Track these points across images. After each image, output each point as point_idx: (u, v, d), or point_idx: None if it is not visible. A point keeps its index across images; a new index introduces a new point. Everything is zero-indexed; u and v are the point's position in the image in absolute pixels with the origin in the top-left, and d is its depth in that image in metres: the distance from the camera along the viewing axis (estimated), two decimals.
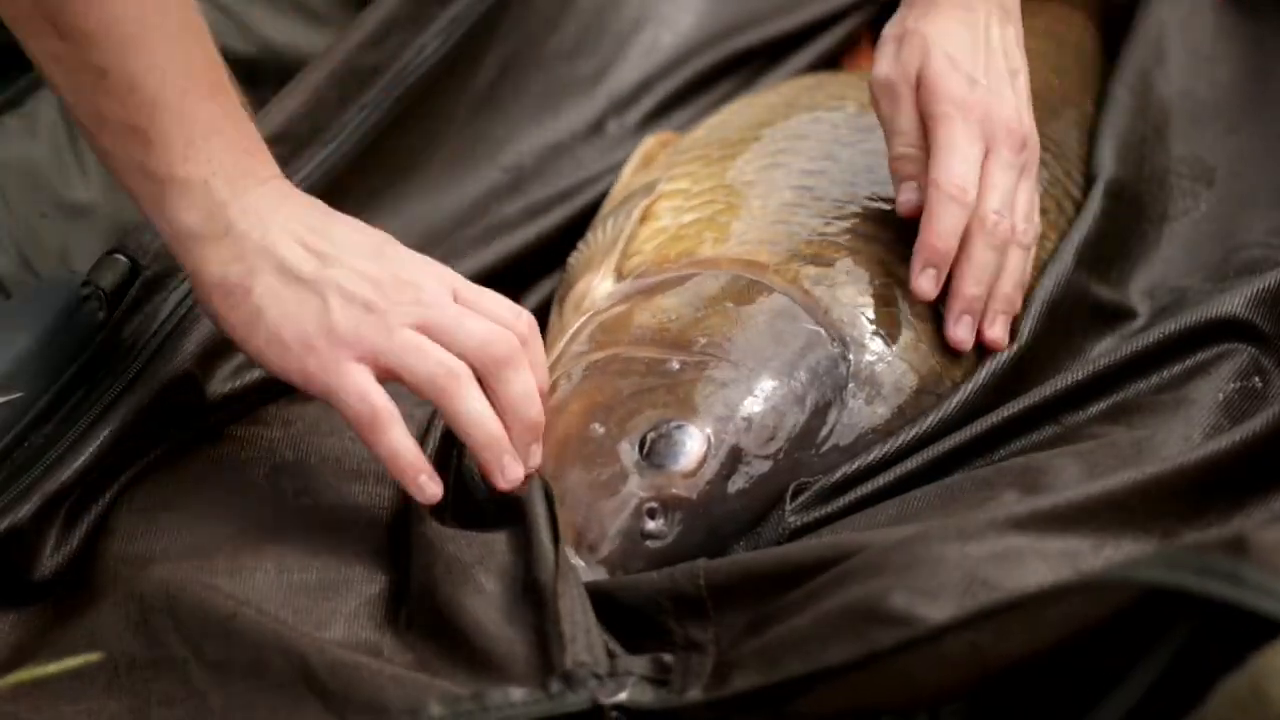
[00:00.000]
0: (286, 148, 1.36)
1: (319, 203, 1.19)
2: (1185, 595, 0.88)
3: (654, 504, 1.18)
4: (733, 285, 1.29)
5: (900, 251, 1.31)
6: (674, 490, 1.19)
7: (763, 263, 1.31)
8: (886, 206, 1.35)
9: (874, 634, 0.98)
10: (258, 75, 1.48)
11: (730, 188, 1.39)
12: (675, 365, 1.24)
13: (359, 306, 1.13)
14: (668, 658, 1.09)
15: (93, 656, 1.07)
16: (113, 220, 1.37)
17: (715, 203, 1.38)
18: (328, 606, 1.13)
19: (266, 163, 1.18)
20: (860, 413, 1.25)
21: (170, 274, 1.27)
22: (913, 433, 1.24)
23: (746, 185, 1.39)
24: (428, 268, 1.17)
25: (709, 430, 1.21)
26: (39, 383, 1.21)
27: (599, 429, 1.21)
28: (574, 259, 1.42)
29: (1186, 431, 1.21)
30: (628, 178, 1.50)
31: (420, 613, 1.11)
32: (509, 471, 1.15)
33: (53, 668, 1.06)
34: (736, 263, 1.32)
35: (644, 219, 1.39)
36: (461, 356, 1.14)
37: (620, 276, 1.35)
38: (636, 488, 1.19)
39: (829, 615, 1.02)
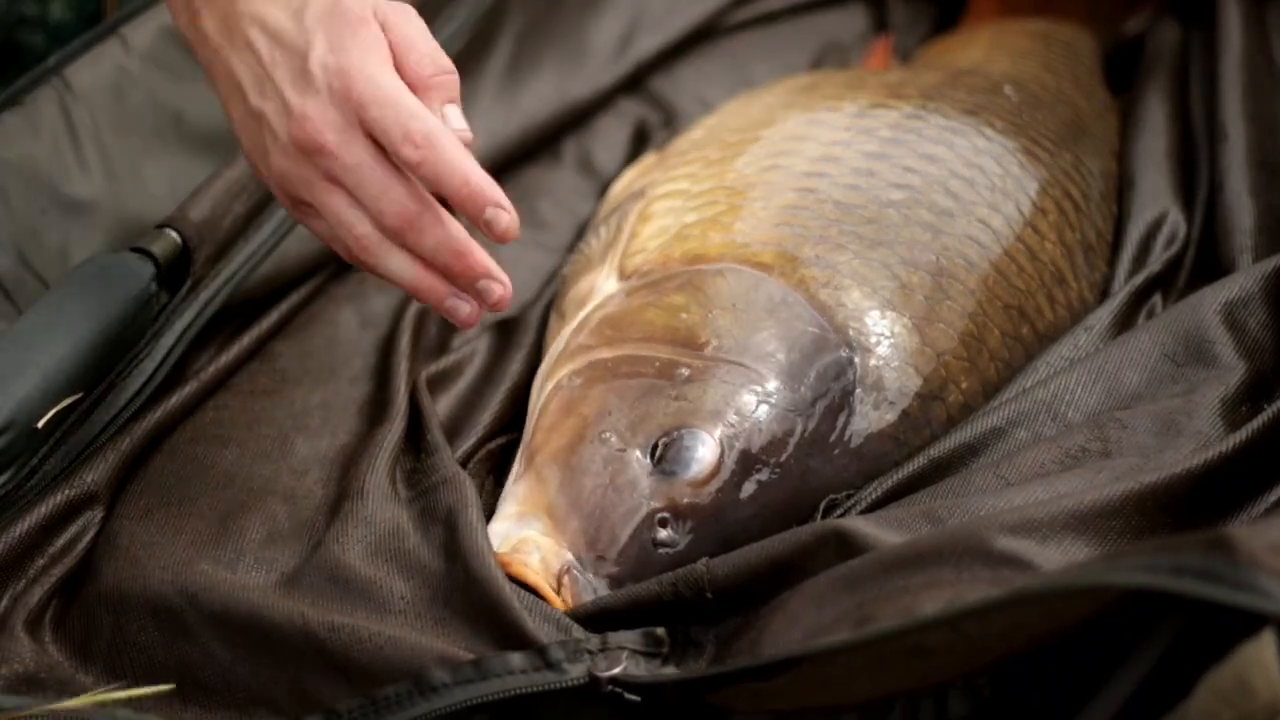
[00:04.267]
0: None
1: None
2: (1167, 595, 0.89)
3: (665, 514, 1.18)
4: (740, 284, 1.29)
5: (903, 254, 1.32)
6: (686, 499, 1.19)
7: (767, 264, 1.31)
8: (888, 209, 1.35)
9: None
10: None
11: (731, 189, 1.39)
12: (685, 371, 1.23)
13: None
14: (659, 631, 1.10)
15: (164, 688, 1.09)
16: (113, 217, 1.35)
17: (717, 203, 1.38)
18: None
19: None
20: (868, 418, 1.25)
21: (221, 253, 1.30)
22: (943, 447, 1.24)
23: (748, 187, 1.39)
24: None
25: (721, 438, 1.20)
26: (99, 375, 1.21)
27: (610, 435, 1.20)
28: (569, 265, 1.42)
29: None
30: (624, 184, 1.50)
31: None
32: (460, 313, 1.16)
33: (122, 694, 1.07)
34: (742, 263, 1.31)
35: (644, 219, 1.39)
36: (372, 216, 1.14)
37: (623, 275, 1.35)
38: (648, 497, 1.18)
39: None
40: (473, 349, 1.38)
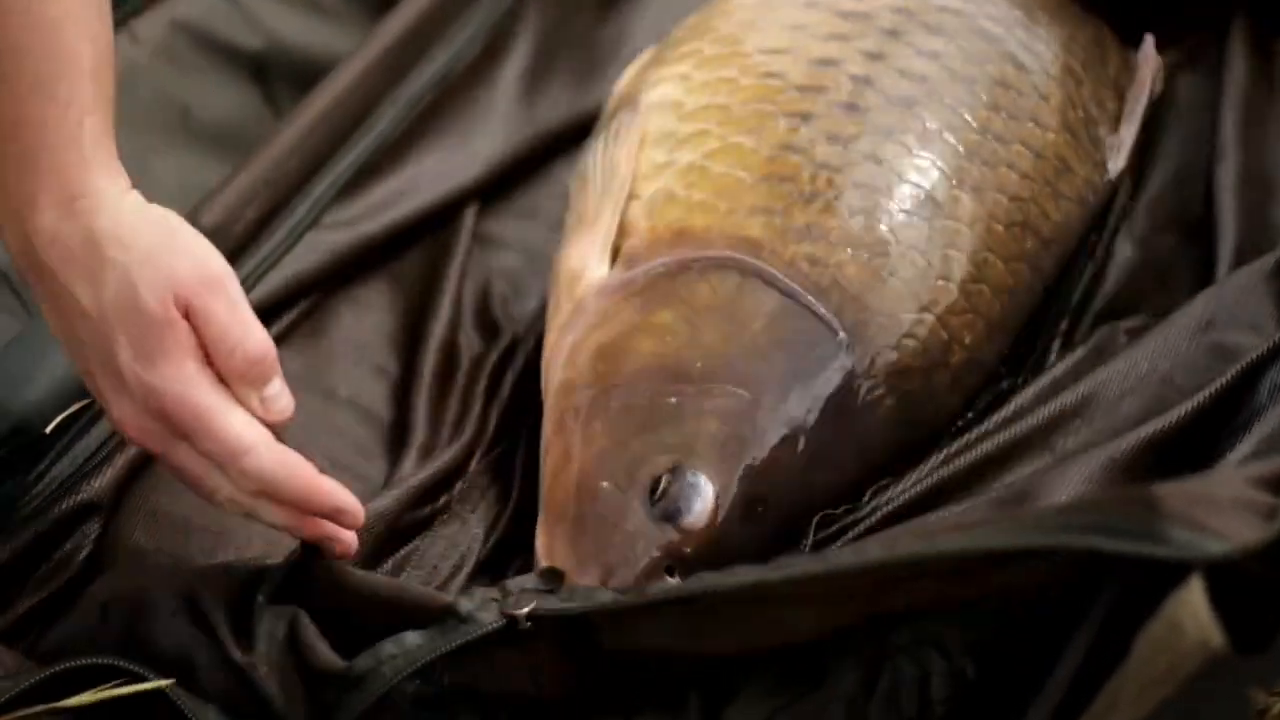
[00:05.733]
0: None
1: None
2: (1099, 556, 0.91)
3: (672, 562, 1.18)
4: (725, 287, 1.26)
5: (901, 199, 1.29)
6: (690, 545, 1.18)
7: (756, 238, 1.28)
8: (887, 142, 1.32)
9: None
10: (266, 70, 1.51)
11: (723, 110, 1.35)
12: (674, 400, 1.22)
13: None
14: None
15: (164, 682, 1.09)
16: None
17: (708, 136, 1.33)
18: None
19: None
20: (871, 410, 1.24)
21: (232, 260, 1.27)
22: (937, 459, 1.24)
23: (741, 105, 1.35)
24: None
25: (719, 480, 1.19)
26: None
27: (607, 486, 1.19)
28: (569, 217, 1.38)
29: None
30: (627, 81, 1.47)
31: None
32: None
33: (125, 690, 1.08)
34: (730, 240, 1.28)
35: (640, 178, 1.34)
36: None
37: (614, 256, 1.31)
38: (654, 549, 1.17)
39: None
40: (477, 355, 1.40)
